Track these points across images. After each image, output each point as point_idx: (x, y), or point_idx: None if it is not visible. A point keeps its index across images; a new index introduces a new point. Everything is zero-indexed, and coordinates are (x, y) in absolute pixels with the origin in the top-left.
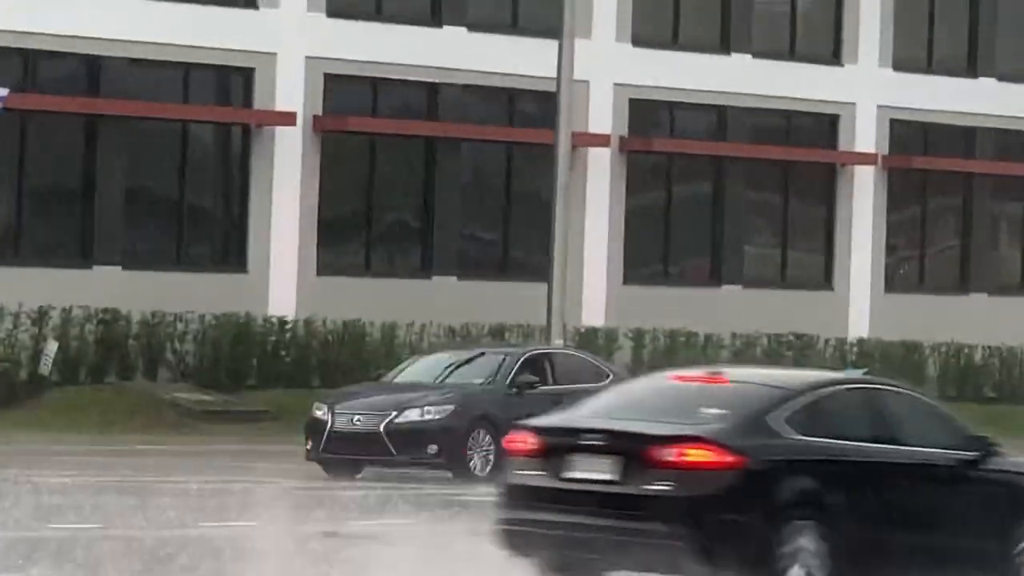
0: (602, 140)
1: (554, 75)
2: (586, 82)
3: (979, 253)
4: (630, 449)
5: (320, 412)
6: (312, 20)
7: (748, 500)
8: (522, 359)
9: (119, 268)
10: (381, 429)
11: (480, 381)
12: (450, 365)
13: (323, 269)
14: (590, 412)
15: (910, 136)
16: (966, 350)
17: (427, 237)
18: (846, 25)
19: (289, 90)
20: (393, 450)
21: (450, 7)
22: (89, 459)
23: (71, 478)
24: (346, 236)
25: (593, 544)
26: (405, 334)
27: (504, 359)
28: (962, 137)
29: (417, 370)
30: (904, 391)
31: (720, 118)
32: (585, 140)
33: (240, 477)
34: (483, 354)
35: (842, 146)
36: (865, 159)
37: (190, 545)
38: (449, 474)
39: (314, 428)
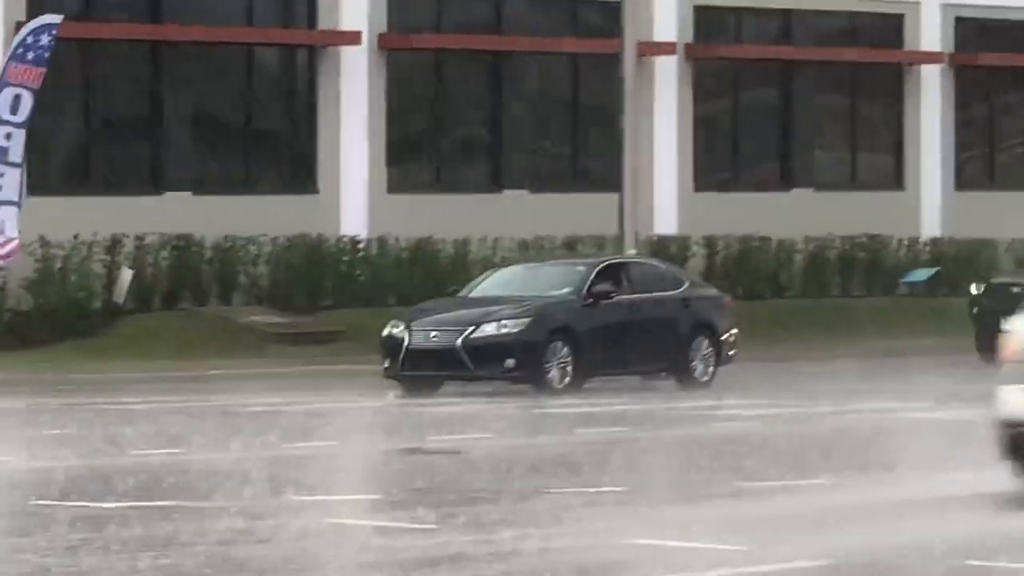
0: (668, 48)
1: None
2: None
3: None
4: None
5: (396, 330)
6: None
7: None
8: (597, 269)
9: (190, 194)
10: (458, 344)
11: (556, 293)
12: (525, 278)
13: (393, 187)
14: None
15: (975, 33)
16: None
17: (496, 151)
18: None
19: (353, 9)
20: (471, 365)
21: None
22: (167, 385)
23: (151, 404)
24: (415, 153)
25: None
26: (477, 249)
27: (579, 270)
28: None
29: (492, 284)
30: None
31: (785, 22)
32: (651, 49)
33: (318, 398)
34: (557, 266)
35: (908, 46)
36: (931, 58)
37: (276, 465)
38: (528, 387)
39: (391, 346)
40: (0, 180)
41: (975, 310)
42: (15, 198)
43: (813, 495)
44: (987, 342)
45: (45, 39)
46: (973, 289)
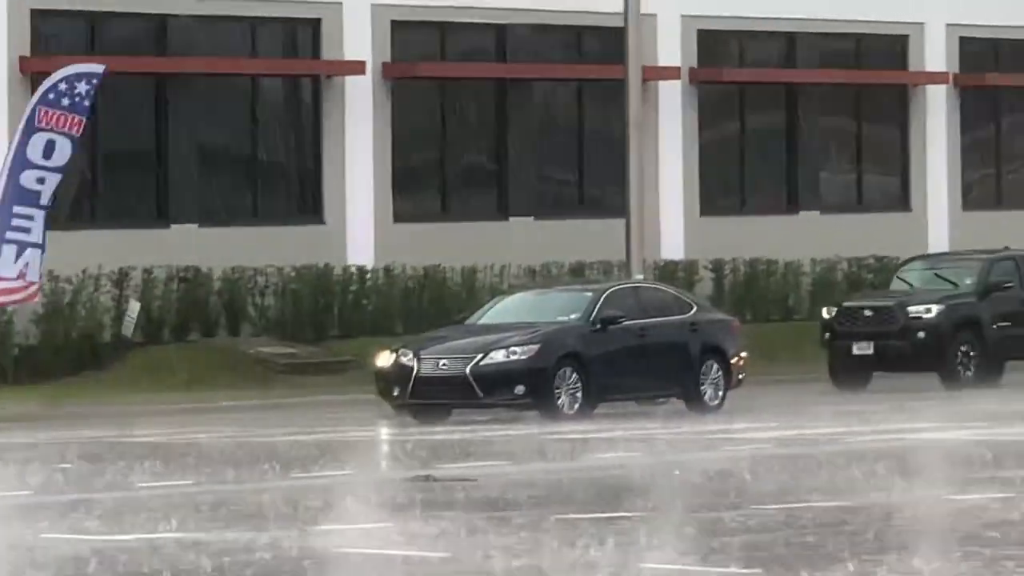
0: (672, 73)
1: (621, 10)
2: (654, 15)
3: None
4: None
5: (405, 358)
6: None
7: None
8: (605, 295)
9: (196, 226)
10: (467, 372)
11: (564, 319)
12: (532, 305)
13: (400, 216)
14: None
15: (981, 53)
16: None
17: (502, 179)
18: None
19: (357, 39)
20: (480, 392)
21: None
22: (177, 417)
23: (162, 437)
24: (421, 182)
25: None
26: (485, 276)
27: (587, 295)
28: None
29: (500, 311)
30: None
31: (789, 45)
32: (655, 74)
33: (329, 427)
34: (565, 292)
35: (913, 67)
36: (936, 79)
37: (289, 495)
38: (537, 413)
39: (399, 374)
40: (29, 223)
41: (827, 335)
42: (40, 241)
43: (827, 517)
44: (840, 368)
45: (84, 87)
46: (825, 313)
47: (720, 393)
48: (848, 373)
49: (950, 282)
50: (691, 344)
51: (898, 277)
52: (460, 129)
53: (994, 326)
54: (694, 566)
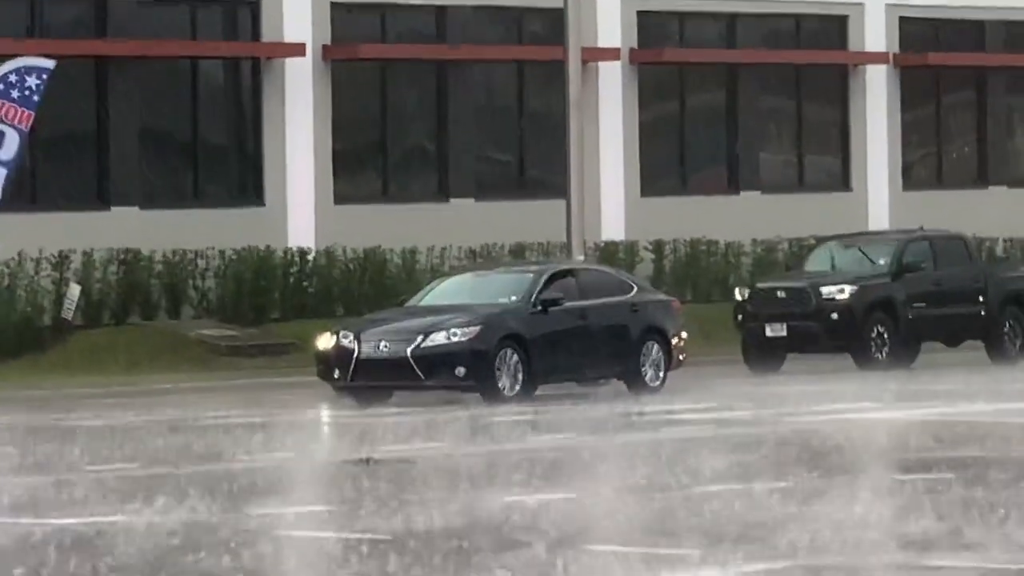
0: (612, 54)
1: None
2: None
3: (995, 146)
4: None
5: (346, 340)
6: None
7: None
8: (545, 276)
9: (137, 208)
10: (408, 354)
11: (505, 301)
12: (473, 286)
13: (340, 198)
14: None
15: (920, 33)
16: (987, 243)
17: (443, 160)
18: None
19: (297, 21)
20: (421, 374)
21: None
22: (118, 400)
23: (100, 420)
24: (362, 164)
25: None
26: (426, 258)
27: (527, 277)
28: (972, 31)
29: (440, 293)
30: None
31: (729, 25)
32: (595, 55)
33: (269, 410)
34: (506, 273)
35: (853, 47)
36: (876, 58)
37: (231, 478)
38: (478, 395)
39: (340, 357)
40: None
41: (739, 317)
42: None
43: (769, 498)
44: (753, 350)
45: (33, 81)
46: (737, 295)
47: (661, 374)
48: (761, 355)
49: (869, 260)
50: (631, 325)
51: (813, 258)
52: (400, 111)
53: (908, 307)
54: (634, 547)
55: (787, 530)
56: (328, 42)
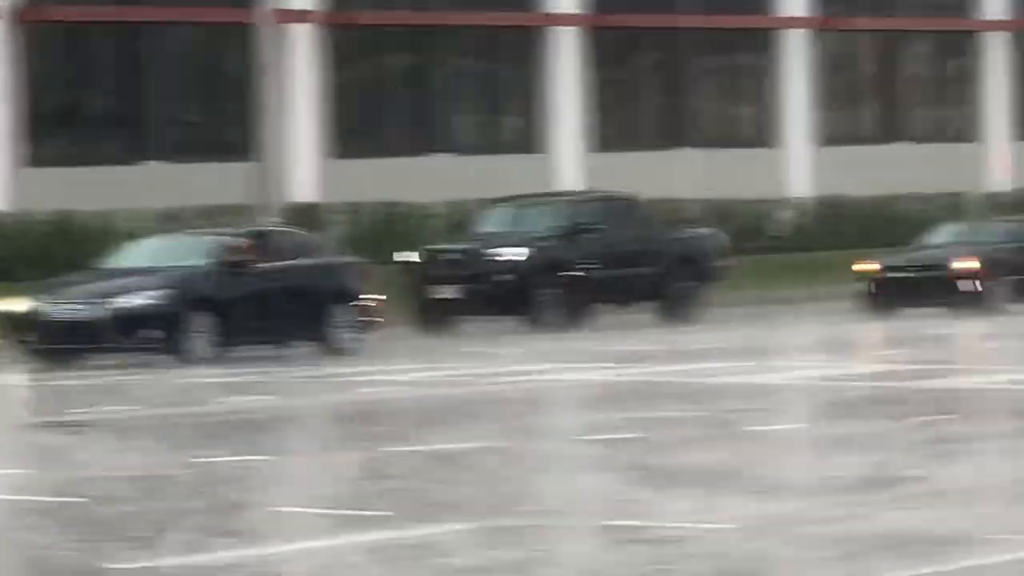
0: (305, 16)
1: None
2: None
3: (687, 108)
4: None
5: (37, 303)
6: None
7: None
8: (237, 239)
9: None
10: (99, 316)
11: (196, 263)
12: (166, 249)
13: (33, 160)
14: None
15: None
16: (679, 204)
17: (135, 123)
18: None
19: None
20: (112, 337)
21: None
22: None
23: None
24: (54, 126)
25: None
26: (122, 221)
27: (219, 239)
28: None
29: (133, 256)
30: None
31: None
32: (288, 17)
33: None
34: (197, 236)
35: (542, 8)
36: (565, 20)
37: None
38: (172, 357)
39: (30, 320)
40: None
41: (408, 280)
42: None
43: (461, 458)
44: (424, 313)
45: None
46: (402, 256)
47: (355, 336)
48: (432, 317)
49: (543, 221)
50: (324, 288)
51: (487, 219)
52: (93, 72)
53: (580, 268)
54: (325, 508)
55: (476, 493)
56: (23, 3)
